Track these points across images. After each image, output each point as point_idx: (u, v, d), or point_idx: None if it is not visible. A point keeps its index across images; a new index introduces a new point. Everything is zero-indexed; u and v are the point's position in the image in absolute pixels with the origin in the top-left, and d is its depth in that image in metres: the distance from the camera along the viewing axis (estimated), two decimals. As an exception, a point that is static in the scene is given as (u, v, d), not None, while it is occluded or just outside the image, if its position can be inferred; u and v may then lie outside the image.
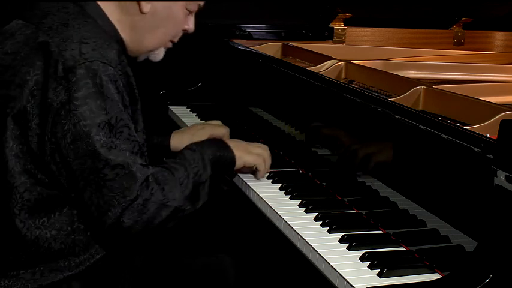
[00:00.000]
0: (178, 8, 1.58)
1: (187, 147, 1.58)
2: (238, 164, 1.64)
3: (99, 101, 1.35)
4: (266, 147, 1.73)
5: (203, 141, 1.64)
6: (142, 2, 1.51)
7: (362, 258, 1.30)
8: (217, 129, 1.88)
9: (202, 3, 1.65)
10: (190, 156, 1.53)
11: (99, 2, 1.51)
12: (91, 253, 1.47)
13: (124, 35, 1.55)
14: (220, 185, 1.77)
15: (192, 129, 1.90)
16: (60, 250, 1.43)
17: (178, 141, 1.85)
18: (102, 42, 1.41)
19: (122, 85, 1.42)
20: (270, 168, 1.79)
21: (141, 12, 1.53)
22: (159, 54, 1.64)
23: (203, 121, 2.30)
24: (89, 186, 1.36)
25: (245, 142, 1.71)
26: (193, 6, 1.63)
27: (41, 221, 1.42)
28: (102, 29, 1.48)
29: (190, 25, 1.65)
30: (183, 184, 1.46)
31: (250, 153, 1.67)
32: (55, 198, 1.42)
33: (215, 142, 1.64)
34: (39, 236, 1.41)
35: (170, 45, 1.65)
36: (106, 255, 1.49)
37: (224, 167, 1.62)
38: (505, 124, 1.12)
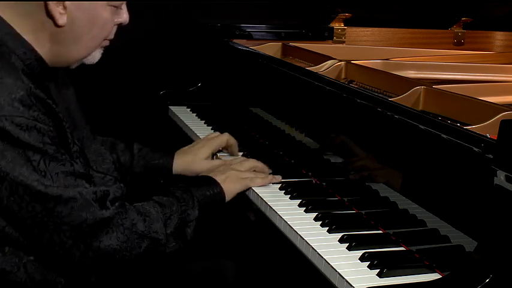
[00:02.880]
0: (100, 9, 1.39)
1: (177, 187, 1.56)
2: (229, 197, 1.63)
3: (17, 151, 1.25)
4: (253, 162, 1.75)
5: (194, 179, 1.63)
6: (57, 15, 1.33)
7: (362, 258, 1.30)
8: (217, 141, 1.88)
9: None
10: (179, 194, 1.52)
11: (9, 20, 1.34)
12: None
13: (44, 50, 1.38)
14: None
15: (193, 149, 1.86)
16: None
17: (180, 162, 1.82)
18: (4, 89, 1.25)
19: (43, 125, 1.27)
20: (270, 168, 1.80)
21: (57, 25, 1.35)
22: (94, 57, 1.47)
23: (203, 121, 2.31)
24: (46, 230, 1.29)
25: (232, 168, 1.69)
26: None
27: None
28: (6, 65, 1.30)
29: (122, 17, 1.46)
30: (168, 219, 1.44)
31: (239, 181, 1.65)
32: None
33: (204, 180, 1.62)
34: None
35: (107, 43, 1.48)
36: None
37: (214, 204, 1.59)
38: (505, 124, 1.12)
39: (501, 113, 1.44)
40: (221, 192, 1.60)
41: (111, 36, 1.47)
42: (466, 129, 1.32)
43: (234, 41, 2.52)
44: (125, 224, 1.36)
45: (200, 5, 2.90)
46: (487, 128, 1.38)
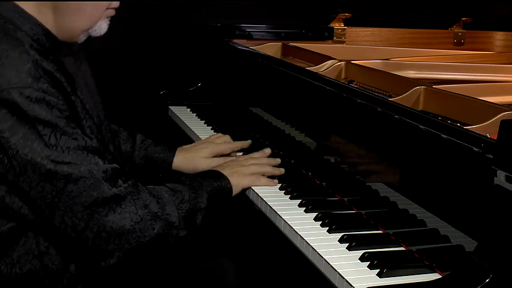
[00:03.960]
0: None
1: (187, 177, 1.57)
2: (236, 191, 1.63)
3: (28, 126, 1.25)
4: (261, 157, 1.74)
5: (200, 173, 1.63)
6: None
7: (362, 258, 1.30)
8: (220, 147, 1.87)
9: None
10: (189, 182, 1.52)
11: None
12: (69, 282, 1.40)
13: (49, 24, 1.38)
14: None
15: (195, 148, 1.87)
16: (29, 277, 1.37)
17: (181, 158, 1.83)
18: (10, 62, 1.26)
19: (52, 97, 1.28)
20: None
21: None
22: (100, 28, 1.44)
23: (203, 121, 2.31)
24: (57, 210, 1.28)
25: (239, 164, 1.69)
26: None
27: (9, 259, 1.36)
28: (12, 39, 1.31)
29: None
30: (180, 203, 1.44)
31: (245, 177, 1.65)
32: (14, 229, 1.36)
33: (212, 173, 1.62)
34: (2, 269, 1.36)
35: (112, 13, 1.45)
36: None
37: (222, 197, 1.59)
38: (505, 124, 1.12)
39: (501, 113, 1.44)
40: (229, 185, 1.60)
41: (116, 4, 1.45)
42: (466, 129, 1.32)
43: (234, 41, 2.52)
44: (138, 204, 1.35)
45: (200, 5, 2.90)
46: (487, 128, 1.38)
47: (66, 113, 1.31)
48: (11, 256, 1.36)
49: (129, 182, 1.36)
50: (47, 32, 1.38)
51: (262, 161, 1.74)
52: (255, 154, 1.78)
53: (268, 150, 1.80)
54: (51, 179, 1.26)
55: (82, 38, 1.45)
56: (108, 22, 1.46)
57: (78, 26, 1.41)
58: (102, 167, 1.32)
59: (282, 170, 1.72)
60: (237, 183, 1.63)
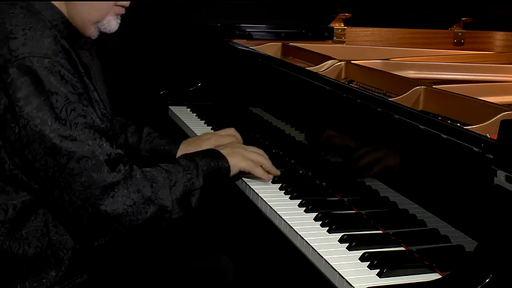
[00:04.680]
0: None
1: (182, 156, 1.58)
2: (234, 171, 1.62)
3: (43, 97, 1.29)
4: (262, 151, 1.72)
5: (198, 151, 1.63)
6: None
7: (362, 258, 1.30)
8: (224, 139, 1.88)
9: None
10: (184, 162, 1.52)
11: None
12: (73, 269, 1.43)
13: (66, 13, 1.45)
14: (226, 191, 1.76)
15: (198, 139, 1.89)
16: (37, 255, 1.40)
17: (184, 151, 1.82)
18: (32, 34, 1.32)
19: (68, 73, 1.33)
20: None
21: None
22: (110, 25, 1.49)
23: (203, 121, 2.31)
24: (57, 185, 1.32)
25: (241, 147, 1.70)
26: None
27: (18, 234, 1.39)
28: (35, 16, 1.37)
29: None
30: (173, 186, 1.45)
31: (245, 159, 1.65)
32: (27, 205, 1.39)
33: (209, 152, 1.62)
34: (12, 246, 1.39)
35: (121, 11, 1.50)
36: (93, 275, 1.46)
37: (219, 176, 1.59)
38: (505, 124, 1.12)
39: (501, 113, 1.44)
40: (226, 165, 1.60)
41: (126, 3, 1.49)
42: (466, 129, 1.32)
43: (234, 41, 2.52)
44: (131, 188, 1.37)
45: (200, 5, 2.90)
46: (487, 128, 1.38)
47: (79, 90, 1.35)
48: (21, 232, 1.39)
49: (126, 167, 1.38)
50: (66, 21, 1.44)
51: (263, 154, 1.73)
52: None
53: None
54: (55, 154, 1.30)
55: (94, 34, 1.49)
56: (119, 20, 1.50)
57: (86, 17, 1.45)
58: (106, 149, 1.35)
59: (278, 172, 1.71)
60: (235, 163, 1.62)
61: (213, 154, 1.61)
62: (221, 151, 1.63)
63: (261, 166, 1.69)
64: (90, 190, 1.32)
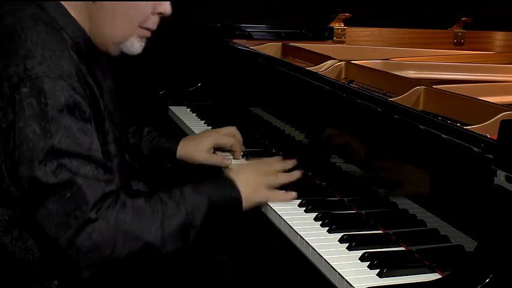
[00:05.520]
0: None
1: (189, 185, 1.45)
2: (246, 206, 1.51)
3: (44, 123, 1.25)
4: (276, 163, 1.63)
5: (208, 181, 1.50)
6: None
7: (362, 258, 1.30)
8: (223, 138, 1.87)
9: None
10: (188, 194, 1.42)
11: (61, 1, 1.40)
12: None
13: (87, 30, 1.42)
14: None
15: (198, 137, 1.88)
16: (40, 261, 1.37)
17: (184, 149, 1.83)
18: (51, 54, 1.29)
19: (78, 98, 1.29)
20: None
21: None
22: (132, 46, 1.46)
23: (203, 121, 2.31)
24: (41, 209, 1.27)
25: (258, 170, 1.57)
26: None
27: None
28: (57, 34, 1.34)
29: (163, 7, 1.46)
30: (168, 220, 1.36)
31: (259, 191, 1.53)
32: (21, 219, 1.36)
33: (221, 182, 1.51)
34: (15, 252, 1.36)
35: (146, 34, 1.47)
36: None
37: (228, 209, 1.48)
38: (505, 124, 1.12)
39: (501, 113, 1.44)
40: (238, 198, 1.49)
41: (153, 27, 1.47)
42: (466, 129, 1.32)
43: (234, 41, 2.52)
44: (113, 223, 1.29)
45: (200, 5, 2.90)
46: (487, 128, 1.38)
47: (86, 116, 1.31)
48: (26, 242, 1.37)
49: (112, 200, 1.31)
50: (87, 38, 1.42)
51: (278, 166, 1.64)
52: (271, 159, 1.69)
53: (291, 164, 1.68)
54: (35, 183, 1.26)
55: (115, 52, 1.47)
56: (143, 43, 1.48)
57: (110, 36, 1.43)
58: (96, 185, 1.29)
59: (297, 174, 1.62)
60: (249, 197, 1.51)
61: (225, 184, 1.50)
62: (235, 182, 1.50)
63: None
64: (70, 220, 1.26)
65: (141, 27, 1.45)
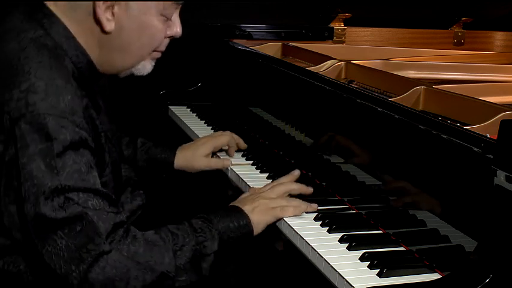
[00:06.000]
0: (151, 17, 1.37)
1: (197, 217, 1.41)
2: (257, 229, 1.46)
3: (49, 159, 1.22)
4: (288, 185, 1.58)
5: (216, 211, 1.45)
6: (104, 21, 1.32)
7: (362, 258, 1.30)
8: (219, 140, 1.87)
9: (180, 3, 1.43)
10: (196, 224, 1.38)
11: (65, 23, 1.34)
12: None
13: (94, 55, 1.38)
14: (225, 191, 1.72)
15: (194, 145, 1.88)
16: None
17: (181, 158, 1.83)
18: (54, 90, 1.24)
19: (84, 134, 1.26)
20: (270, 170, 1.80)
21: (104, 32, 1.34)
22: (144, 69, 1.45)
23: (203, 121, 2.31)
24: (48, 246, 1.22)
25: (262, 196, 1.51)
26: (170, 9, 1.41)
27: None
28: (60, 64, 1.30)
29: (175, 30, 1.44)
30: (179, 251, 1.32)
31: (269, 211, 1.48)
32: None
33: (230, 210, 1.46)
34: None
35: (157, 55, 1.46)
36: None
37: (240, 237, 1.43)
38: (505, 124, 1.12)
39: (501, 113, 1.44)
40: (248, 225, 1.44)
41: (163, 48, 1.45)
42: (466, 129, 1.32)
43: (234, 41, 2.52)
44: (125, 254, 1.26)
45: (200, 5, 2.90)
46: (487, 128, 1.38)
47: (90, 150, 1.29)
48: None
49: (122, 231, 1.28)
50: (90, 63, 1.37)
51: (292, 186, 1.58)
52: (283, 179, 1.62)
53: (297, 173, 1.63)
54: (44, 220, 1.22)
55: (124, 75, 1.45)
56: (153, 63, 1.45)
57: (119, 63, 1.41)
58: (106, 216, 1.26)
59: (315, 206, 1.53)
60: (259, 220, 1.46)
61: (233, 212, 1.45)
62: (243, 208, 1.46)
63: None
64: (82, 254, 1.22)
65: (154, 50, 1.44)
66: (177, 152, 1.84)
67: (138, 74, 1.45)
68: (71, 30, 1.35)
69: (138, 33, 1.37)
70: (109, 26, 1.33)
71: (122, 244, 1.26)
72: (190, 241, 1.34)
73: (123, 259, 1.25)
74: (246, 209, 1.46)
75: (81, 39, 1.36)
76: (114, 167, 1.46)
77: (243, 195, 1.57)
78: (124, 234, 1.28)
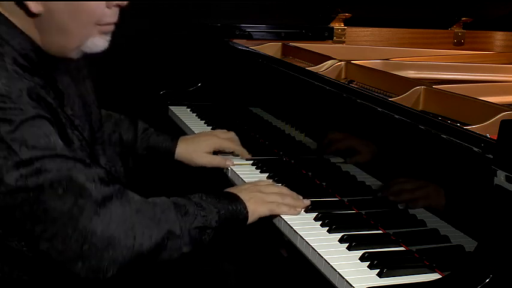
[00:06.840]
0: None
1: (197, 195, 1.42)
2: (252, 218, 1.47)
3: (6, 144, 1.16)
4: (285, 189, 1.59)
5: (214, 194, 1.46)
6: (30, 4, 1.25)
7: (362, 258, 1.30)
8: (225, 144, 1.86)
9: None
10: (195, 198, 1.40)
11: (5, 15, 1.28)
12: None
13: (37, 40, 1.31)
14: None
15: (197, 139, 1.87)
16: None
17: (183, 150, 1.81)
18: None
19: (29, 110, 1.20)
20: (270, 170, 1.80)
21: (34, 14, 1.26)
22: (95, 45, 1.34)
23: (203, 121, 2.31)
24: (37, 226, 1.18)
25: (258, 190, 1.53)
26: None
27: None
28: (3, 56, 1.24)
29: None
30: (184, 216, 1.32)
31: (264, 204, 1.50)
32: None
33: (228, 195, 1.48)
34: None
35: (109, 29, 1.35)
36: None
37: (236, 222, 1.44)
38: (505, 124, 1.12)
39: (501, 113, 1.44)
40: (244, 210, 1.46)
41: (110, 20, 1.34)
42: (466, 129, 1.32)
43: (234, 41, 2.52)
44: (127, 206, 1.24)
45: (200, 5, 2.90)
46: (487, 128, 1.38)
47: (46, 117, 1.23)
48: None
49: (118, 186, 1.25)
50: (36, 48, 1.31)
51: (284, 190, 1.59)
52: (280, 187, 1.63)
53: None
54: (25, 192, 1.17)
55: (76, 55, 1.36)
56: (108, 37, 1.36)
57: (64, 44, 1.33)
58: (85, 170, 1.22)
59: (307, 202, 1.55)
60: (254, 209, 1.47)
61: (232, 197, 1.47)
62: (240, 195, 1.48)
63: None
64: (72, 213, 1.18)
65: (99, 24, 1.32)
66: (179, 142, 1.82)
67: (92, 52, 1.35)
68: (13, 21, 1.28)
69: (69, 11, 1.28)
70: (35, 7, 1.25)
71: (123, 196, 1.24)
72: (193, 212, 1.34)
73: (126, 210, 1.23)
74: (243, 197, 1.48)
75: (23, 28, 1.29)
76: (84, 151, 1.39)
77: (239, 186, 1.58)
78: (119, 191, 1.25)
